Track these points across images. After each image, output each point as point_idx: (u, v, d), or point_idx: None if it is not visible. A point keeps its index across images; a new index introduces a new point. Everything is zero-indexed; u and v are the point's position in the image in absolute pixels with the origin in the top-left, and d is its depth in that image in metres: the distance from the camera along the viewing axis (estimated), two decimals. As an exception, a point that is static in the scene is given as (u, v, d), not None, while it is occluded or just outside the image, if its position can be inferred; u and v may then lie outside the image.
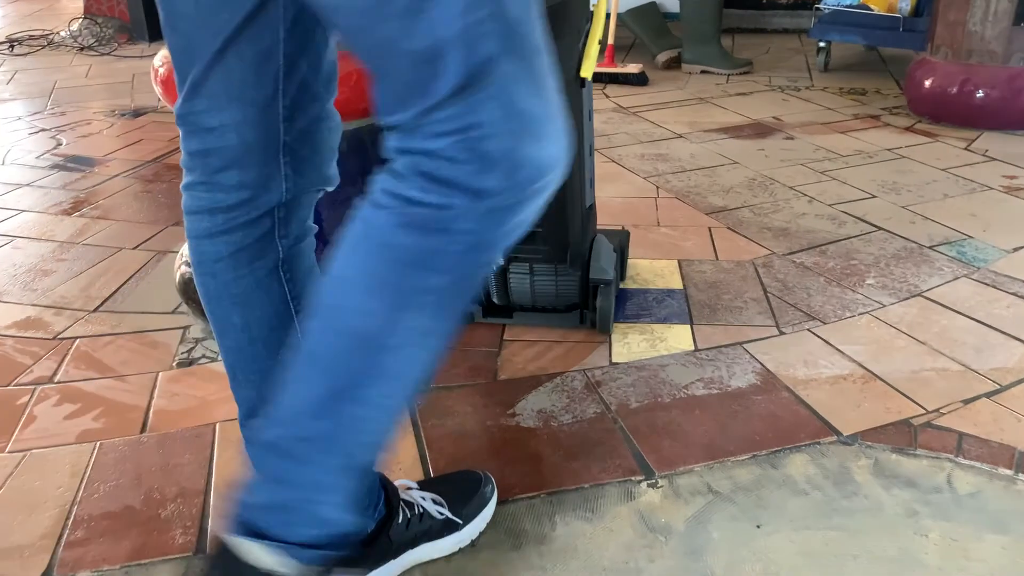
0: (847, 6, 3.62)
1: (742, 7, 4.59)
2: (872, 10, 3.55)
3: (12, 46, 4.65)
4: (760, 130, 2.99)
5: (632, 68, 3.63)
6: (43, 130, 3.19)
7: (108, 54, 4.49)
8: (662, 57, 3.88)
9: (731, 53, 3.94)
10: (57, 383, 1.59)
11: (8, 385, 1.59)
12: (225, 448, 1.40)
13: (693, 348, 1.65)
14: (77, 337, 1.74)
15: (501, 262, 1.60)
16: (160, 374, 1.61)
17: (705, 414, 1.45)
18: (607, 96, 3.49)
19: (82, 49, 4.58)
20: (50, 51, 4.62)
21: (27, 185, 2.62)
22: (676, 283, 1.90)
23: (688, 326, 1.72)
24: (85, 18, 4.85)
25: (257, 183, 0.95)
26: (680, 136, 2.93)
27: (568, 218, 1.60)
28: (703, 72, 3.79)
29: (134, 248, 2.15)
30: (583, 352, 1.64)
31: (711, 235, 2.14)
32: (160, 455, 1.39)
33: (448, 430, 1.43)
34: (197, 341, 1.72)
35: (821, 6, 3.68)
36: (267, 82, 0.90)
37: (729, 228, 2.18)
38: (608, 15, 3.84)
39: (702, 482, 1.29)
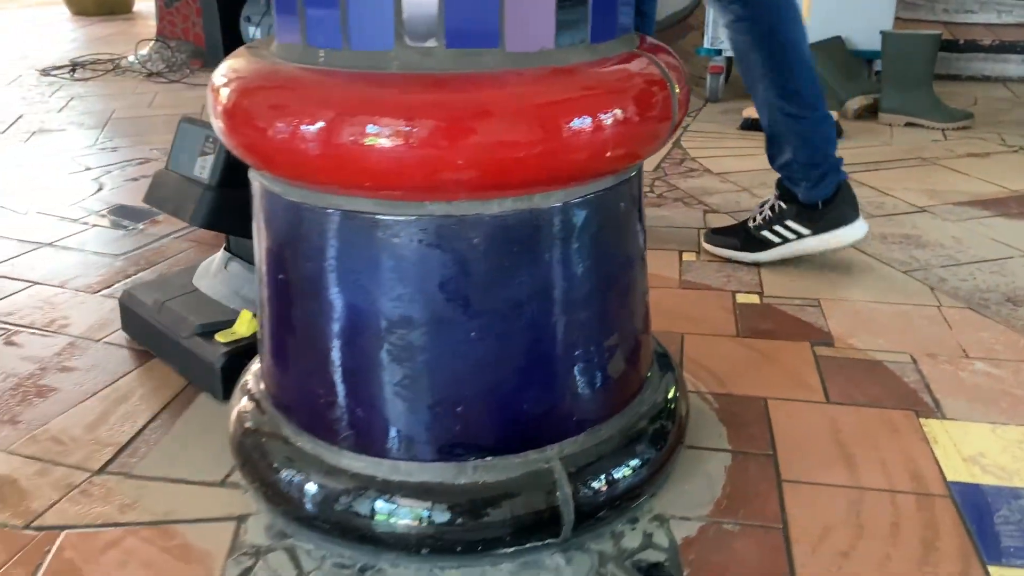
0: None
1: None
2: None
3: (74, 70, 4.10)
4: (1032, 207, 2.19)
5: (825, 114, 2.85)
6: (87, 169, 2.56)
7: (177, 81, 3.91)
8: (853, 104, 3.13)
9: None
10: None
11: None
12: None
13: None
14: (63, 527, 1.04)
15: None
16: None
17: None
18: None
19: (150, 75, 4.02)
20: (115, 76, 4.08)
21: (48, 245, 1.95)
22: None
23: None
24: (156, 41, 4.29)
25: None
26: (923, 210, 2.16)
27: None
28: (908, 124, 3.02)
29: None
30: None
31: (1064, 379, 1.36)
32: None
33: None
34: (258, 553, 1.00)
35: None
36: None
37: (1086, 370, 1.39)
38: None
39: None
